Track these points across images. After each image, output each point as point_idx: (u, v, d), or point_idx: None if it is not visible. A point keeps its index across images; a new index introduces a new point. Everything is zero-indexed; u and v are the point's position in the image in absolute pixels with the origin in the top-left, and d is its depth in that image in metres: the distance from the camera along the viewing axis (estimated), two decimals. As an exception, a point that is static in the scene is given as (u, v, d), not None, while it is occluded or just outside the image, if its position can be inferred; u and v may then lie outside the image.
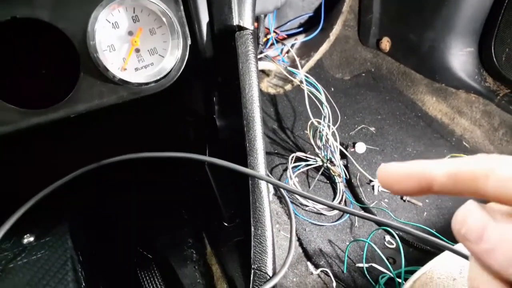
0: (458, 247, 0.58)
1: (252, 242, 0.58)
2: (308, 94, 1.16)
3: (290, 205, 0.70)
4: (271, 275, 0.57)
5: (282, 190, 1.10)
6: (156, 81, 0.57)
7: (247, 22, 0.62)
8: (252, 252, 0.58)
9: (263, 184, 0.61)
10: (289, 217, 0.57)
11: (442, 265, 0.55)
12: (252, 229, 0.59)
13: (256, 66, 0.63)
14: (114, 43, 0.54)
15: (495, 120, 1.23)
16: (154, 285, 0.64)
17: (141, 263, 0.66)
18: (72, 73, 0.53)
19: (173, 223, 0.76)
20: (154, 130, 0.71)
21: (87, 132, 0.66)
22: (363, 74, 1.54)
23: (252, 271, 0.57)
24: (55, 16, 0.50)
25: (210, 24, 0.61)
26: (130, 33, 0.55)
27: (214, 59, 0.65)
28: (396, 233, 1.05)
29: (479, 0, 1.21)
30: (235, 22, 0.61)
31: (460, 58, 1.31)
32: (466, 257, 0.52)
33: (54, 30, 0.50)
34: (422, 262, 1.04)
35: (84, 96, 0.53)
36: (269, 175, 0.95)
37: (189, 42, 0.59)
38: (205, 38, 0.62)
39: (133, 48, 0.55)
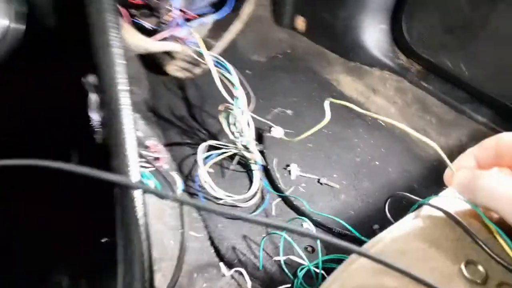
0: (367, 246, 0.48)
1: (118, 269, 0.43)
2: (219, 77, 1.02)
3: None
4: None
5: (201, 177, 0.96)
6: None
7: (102, -19, 0.46)
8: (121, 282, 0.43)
9: (136, 193, 0.46)
10: (182, 224, 0.44)
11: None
12: (121, 250, 0.44)
13: (118, 38, 0.47)
14: None
15: (408, 97, 1.19)
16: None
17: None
18: None
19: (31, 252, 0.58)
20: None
21: None
22: (280, 56, 1.43)
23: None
24: None
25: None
26: None
27: (64, 31, 0.48)
28: (314, 218, 0.97)
29: (388, -25, 1.15)
30: (83, -20, 0.45)
31: (374, 35, 1.25)
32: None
33: None
34: (341, 249, 0.96)
35: None
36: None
37: (20, 8, 0.42)
38: (44, 2, 0.45)
39: None
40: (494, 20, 0.93)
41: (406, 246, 0.46)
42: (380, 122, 1.22)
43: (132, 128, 0.46)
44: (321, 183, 1.06)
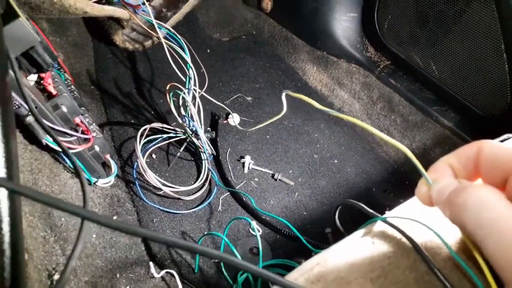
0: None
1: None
2: (170, 52, 0.91)
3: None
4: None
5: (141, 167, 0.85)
6: None
7: None
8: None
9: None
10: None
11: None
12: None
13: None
14: None
15: (374, 93, 1.11)
16: None
17: None
18: None
19: None
20: None
21: None
22: (244, 37, 1.32)
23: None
24: None
25: None
26: None
27: None
28: (263, 217, 0.89)
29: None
30: None
31: (343, 24, 1.16)
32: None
33: None
34: (290, 253, 0.89)
35: None
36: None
37: None
38: None
39: None
40: (469, 17, 0.87)
41: (350, 273, 0.38)
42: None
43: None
44: (275, 179, 0.98)
